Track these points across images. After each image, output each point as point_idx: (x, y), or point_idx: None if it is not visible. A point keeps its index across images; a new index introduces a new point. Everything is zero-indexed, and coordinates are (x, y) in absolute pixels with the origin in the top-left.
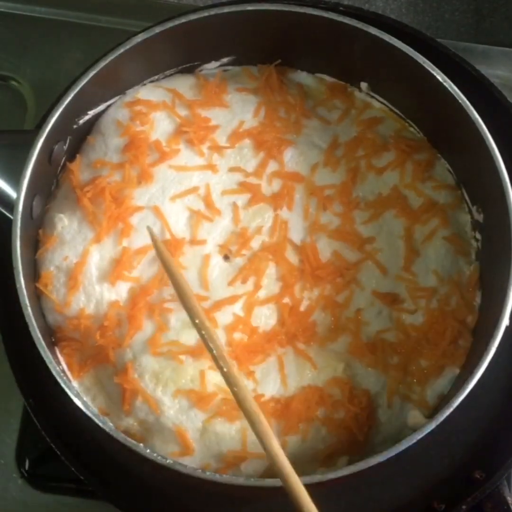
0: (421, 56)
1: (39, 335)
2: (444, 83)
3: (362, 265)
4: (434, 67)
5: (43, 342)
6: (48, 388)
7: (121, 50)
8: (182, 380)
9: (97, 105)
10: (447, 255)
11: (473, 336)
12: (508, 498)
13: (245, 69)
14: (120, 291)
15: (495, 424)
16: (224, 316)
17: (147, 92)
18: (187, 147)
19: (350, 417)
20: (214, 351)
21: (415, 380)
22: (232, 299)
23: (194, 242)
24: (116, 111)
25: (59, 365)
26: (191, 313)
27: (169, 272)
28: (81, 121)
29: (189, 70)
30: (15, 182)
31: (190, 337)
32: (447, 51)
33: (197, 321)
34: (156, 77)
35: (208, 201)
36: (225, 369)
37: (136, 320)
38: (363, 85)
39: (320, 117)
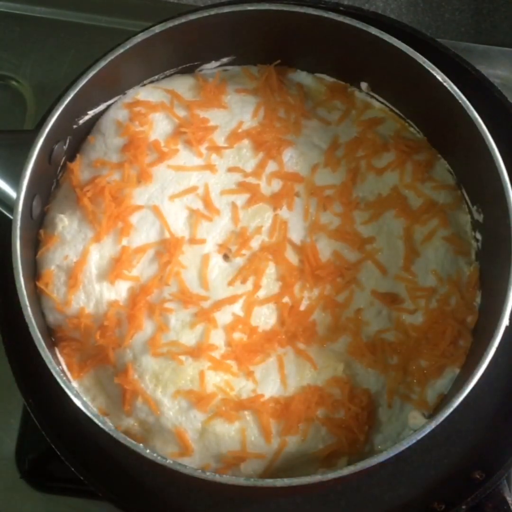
0: (421, 56)
1: (39, 335)
2: (444, 83)
3: (362, 265)
4: (434, 67)
5: (43, 342)
6: (48, 388)
7: (121, 50)
8: (182, 381)
9: (97, 105)
10: (447, 255)
11: (473, 336)
12: (508, 498)
13: (245, 69)
14: (119, 290)
15: (495, 424)
16: (224, 316)
17: (146, 93)
18: (185, 147)
19: (350, 417)
20: None
21: (415, 380)
22: (232, 299)
23: (193, 241)
24: (116, 111)
25: (59, 365)
26: None
27: None
28: (81, 121)
29: (189, 70)
30: (15, 182)
31: (190, 338)
32: (447, 51)
33: None
34: (156, 77)
35: (207, 201)
36: None
37: (136, 320)
38: (363, 85)
39: (320, 117)
